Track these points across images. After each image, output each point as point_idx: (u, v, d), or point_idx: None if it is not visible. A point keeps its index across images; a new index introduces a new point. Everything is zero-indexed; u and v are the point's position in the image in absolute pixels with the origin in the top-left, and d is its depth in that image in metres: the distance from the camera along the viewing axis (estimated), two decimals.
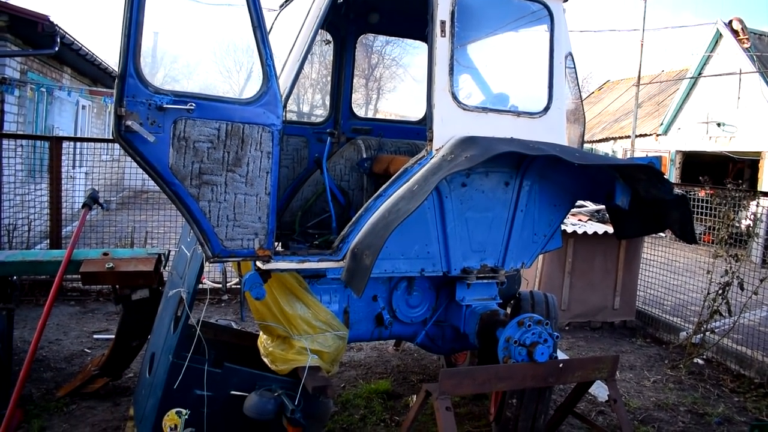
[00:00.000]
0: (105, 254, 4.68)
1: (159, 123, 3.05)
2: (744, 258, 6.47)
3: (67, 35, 9.53)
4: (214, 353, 4.00)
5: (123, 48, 2.95)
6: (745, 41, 16.74)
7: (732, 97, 16.80)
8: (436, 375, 3.48)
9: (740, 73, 16.45)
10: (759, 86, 16.02)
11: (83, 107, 13.84)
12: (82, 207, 4.85)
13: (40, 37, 8.79)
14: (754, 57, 16.35)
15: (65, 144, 8.01)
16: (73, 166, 11.38)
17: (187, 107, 3.09)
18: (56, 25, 8.68)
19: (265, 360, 3.86)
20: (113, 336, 4.90)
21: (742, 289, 6.15)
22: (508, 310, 4.73)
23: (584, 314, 7.53)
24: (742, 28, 16.94)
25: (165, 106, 3.04)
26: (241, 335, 4.84)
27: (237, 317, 6.82)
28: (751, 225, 7.86)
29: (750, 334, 6.38)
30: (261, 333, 4.01)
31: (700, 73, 18.31)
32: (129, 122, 2.97)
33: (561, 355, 5.43)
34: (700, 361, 6.46)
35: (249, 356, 4.21)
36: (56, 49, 9.11)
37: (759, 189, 14.91)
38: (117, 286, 4.62)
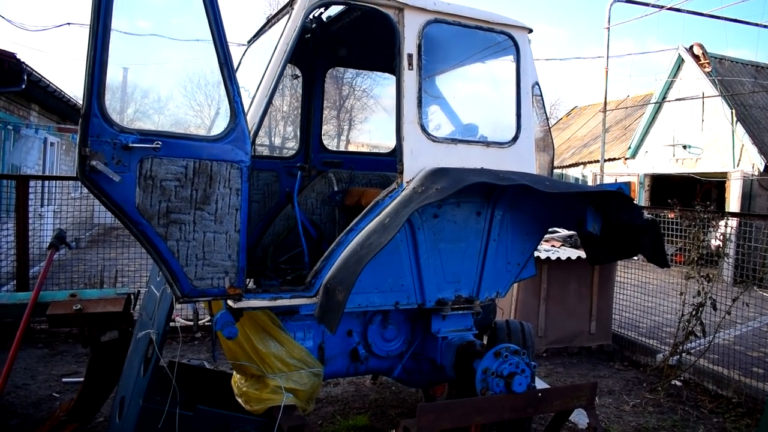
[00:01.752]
0: (73, 295, 4.56)
1: (125, 162, 2.99)
2: (715, 278, 6.55)
3: (34, 72, 9.43)
4: (186, 395, 3.90)
5: (87, 87, 2.90)
6: (707, 65, 17.21)
7: (696, 120, 17.19)
8: (414, 408, 3.42)
9: (703, 97, 16.86)
10: (722, 109, 16.41)
11: (52, 144, 13.66)
12: (49, 248, 4.76)
13: (6, 75, 8.69)
14: (716, 81, 16.79)
15: (33, 182, 7.87)
16: (42, 204, 11.17)
17: (153, 146, 3.04)
18: (23, 62, 8.60)
19: (239, 400, 3.77)
20: (83, 379, 4.76)
21: (715, 309, 6.21)
22: (485, 341, 4.70)
23: (561, 340, 7.54)
24: (702, 53, 17.43)
25: (131, 145, 2.99)
26: (213, 375, 4.73)
27: (210, 356, 6.68)
28: (721, 245, 7.97)
29: (725, 353, 6.43)
30: (234, 372, 3.92)
31: (664, 98, 18.72)
32: (94, 162, 2.91)
33: (539, 383, 5.40)
34: (678, 383, 6.48)
35: (222, 397, 4.10)
36: (23, 86, 9.01)
37: (726, 209, 15.18)
38: (85, 328, 4.51)
